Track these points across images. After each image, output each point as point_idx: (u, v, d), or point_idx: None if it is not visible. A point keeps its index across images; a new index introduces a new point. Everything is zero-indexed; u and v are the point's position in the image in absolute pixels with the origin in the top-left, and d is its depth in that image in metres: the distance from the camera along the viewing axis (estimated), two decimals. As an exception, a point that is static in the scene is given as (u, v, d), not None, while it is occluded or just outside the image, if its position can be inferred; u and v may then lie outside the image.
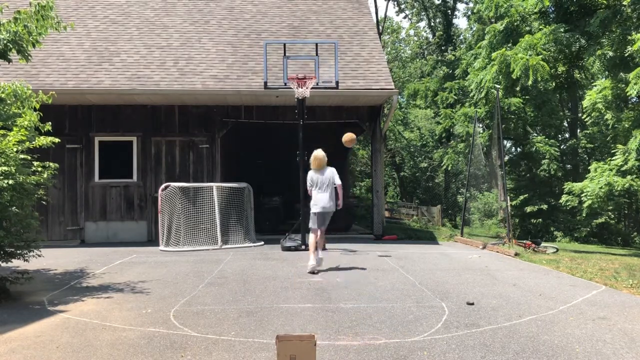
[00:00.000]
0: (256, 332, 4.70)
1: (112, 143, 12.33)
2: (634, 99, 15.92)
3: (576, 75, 19.36)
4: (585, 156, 25.59)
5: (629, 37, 13.25)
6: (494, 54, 18.34)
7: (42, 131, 6.86)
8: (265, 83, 11.02)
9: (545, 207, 20.91)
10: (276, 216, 14.70)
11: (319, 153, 8.05)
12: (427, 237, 14.16)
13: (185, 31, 13.84)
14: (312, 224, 7.91)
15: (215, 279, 7.13)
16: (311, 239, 7.73)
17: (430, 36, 37.70)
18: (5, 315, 5.33)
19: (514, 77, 17.07)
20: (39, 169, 6.72)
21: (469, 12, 33.71)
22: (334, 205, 7.95)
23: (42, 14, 6.51)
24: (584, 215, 15.65)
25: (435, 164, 32.37)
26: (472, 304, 5.65)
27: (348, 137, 9.46)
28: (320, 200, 7.88)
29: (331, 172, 7.98)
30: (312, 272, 7.33)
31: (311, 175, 8.07)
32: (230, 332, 4.70)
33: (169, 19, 14.33)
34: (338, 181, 7.94)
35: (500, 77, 17.99)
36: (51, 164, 6.89)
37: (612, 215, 20.77)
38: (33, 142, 6.64)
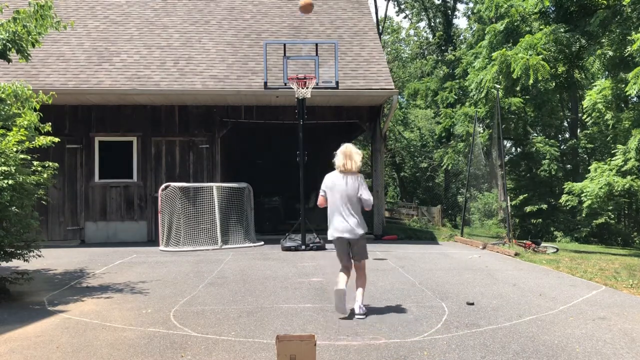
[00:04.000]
0: (256, 332, 4.70)
1: (112, 143, 12.33)
2: (634, 99, 15.91)
3: (576, 75, 19.35)
4: (585, 156, 25.57)
5: (629, 37, 13.24)
6: (494, 54, 18.33)
7: (42, 132, 6.86)
8: (265, 83, 11.02)
9: (545, 207, 20.91)
10: (276, 216, 14.70)
11: (351, 148, 5.61)
12: (427, 237, 14.15)
13: (185, 31, 13.83)
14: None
15: (215, 279, 7.13)
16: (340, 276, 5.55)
17: (430, 36, 37.68)
18: (6, 315, 5.33)
19: (514, 77, 17.06)
20: (39, 169, 6.71)
21: (469, 12, 33.73)
22: (360, 227, 5.52)
23: (41, 14, 6.51)
24: (584, 215, 15.66)
25: (435, 164, 32.36)
26: (472, 304, 5.65)
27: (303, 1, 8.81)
28: (340, 221, 5.44)
29: (360, 182, 5.50)
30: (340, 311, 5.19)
31: (331, 178, 5.52)
32: (231, 332, 4.70)
33: (169, 19, 14.33)
34: (368, 195, 5.46)
35: (500, 77, 17.98)
36: (51, 164, 6.88)
37: (612, 215, 20.75)
38: (33, 142, 6.64)
